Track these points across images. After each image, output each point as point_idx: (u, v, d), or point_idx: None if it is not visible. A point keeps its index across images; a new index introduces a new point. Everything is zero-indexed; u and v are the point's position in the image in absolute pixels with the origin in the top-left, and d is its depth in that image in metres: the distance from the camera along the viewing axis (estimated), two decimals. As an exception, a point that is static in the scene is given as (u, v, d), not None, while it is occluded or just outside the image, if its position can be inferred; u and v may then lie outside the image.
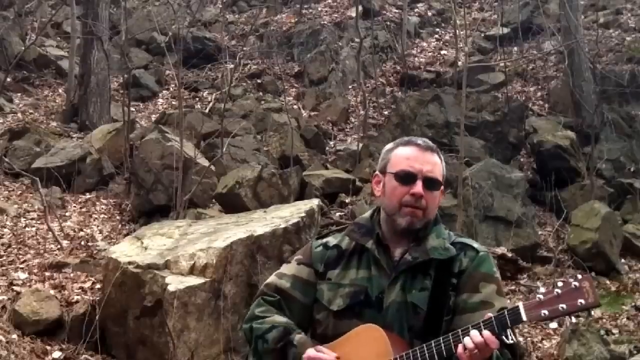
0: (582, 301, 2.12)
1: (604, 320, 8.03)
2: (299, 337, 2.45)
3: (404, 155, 2.48)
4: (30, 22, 15.45)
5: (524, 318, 2.16)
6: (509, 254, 8.49)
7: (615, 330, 7.80)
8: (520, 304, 2.18)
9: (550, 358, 7.22)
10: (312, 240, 2.68)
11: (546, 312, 2.15)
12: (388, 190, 2.49)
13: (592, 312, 2.03)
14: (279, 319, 2.51)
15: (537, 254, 9.33)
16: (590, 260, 9.06)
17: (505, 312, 2.19)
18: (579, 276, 2.16)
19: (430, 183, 2.45)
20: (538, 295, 2.18)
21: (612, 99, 12.52)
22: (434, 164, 2.47)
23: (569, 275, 8.82)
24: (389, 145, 2.58)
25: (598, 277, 8.98)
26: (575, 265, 9.07)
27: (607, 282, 8.93)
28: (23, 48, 12.62)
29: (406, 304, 2.40)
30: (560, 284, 2.17)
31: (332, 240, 2.60)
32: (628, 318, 8.05)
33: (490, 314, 2.21)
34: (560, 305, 2.14)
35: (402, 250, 2.47)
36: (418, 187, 2.42)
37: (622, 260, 9.40)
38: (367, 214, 2.62)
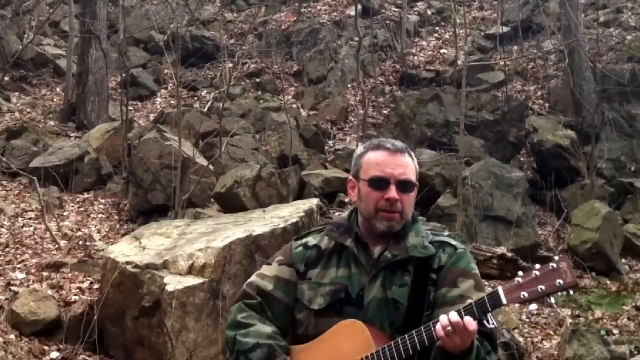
0: (561, 281, 2.15)
1: (605, 320, 8.01)
2: None
3: (375, 160, 2.50)
4: (28, 20, 15.42)
5: (504, 301, 2.20)
6: (509, 254, 8.40)
7: (615, 331, 7.79)
8: (500, 288, 2.21)
9: (551, 358, 7.19)
10: (292, 241, 2.69)
11: (525, 294, 2.18)
12: (363, 196, 2.52)
13: (571, 292, 2.07)
14: (263, 329, 2.52)
15: (537, 254, 9.30)
16: (590, 260, 9.05)
17: (485, 297, 2.22)
18: (557, 258, 2.19)
19: (404, 185, 2.48)
20: (517, 279, 2.20)
21: (612, 98, 12.51)
22: (406, 166, 2.50)
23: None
24: (359, 150, 2.59)
25: (598, 277, 8.98)
26: (576, 265, 9.05)
27: (608, 282, 8.92)
28: (21, 47, 12.61)
29: (386, 300, 2.43)
30: (538, 266, 2.20)
31: (311, 240, 2.63)
32: (628, 318, 8.04)
33: (470, 300, 2.25)
34: (539, 286, 2.16)
35: (381, 247, 2.51)
36: (392, 192, 2.45)
37: (623, 260, 9.40)
38: (345, 214, 2.66)
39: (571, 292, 2.19)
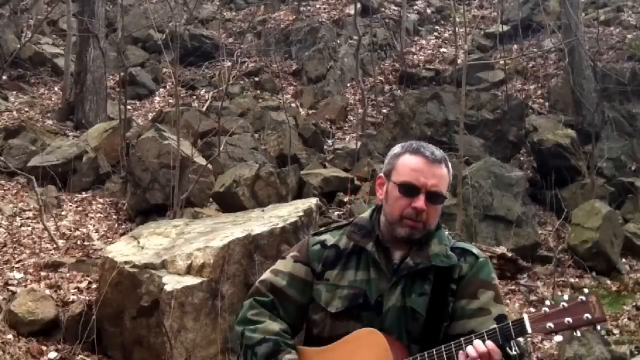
0: (589, 316, 2.13)
1: (605, 320, 7.97)
2: (287, 357, 2.42)
3: (410, 165, 2.42)
4: (26, 19, 15.39)
5: (529, 330, 2.18)
6: (509, 254, 8.43)
7: (616, 331, 7.76)
8: (526, 316, 2.19)
9: (551, 358, 7.16)
10: (309, 237, 2.63)
11: (551, 325, 2.16)
12: (390, 198, 2.44)
13: (599, 327, 2.08)
14: (271, 326, 2.48)
15: (537, 254, 9.28)
16: (590, 260, 9.01)
17: (510, 324, 2.19)
18: (586, 291, 2.17)
19: (434, 197, 2.41)
20: (544, 308, 2.18)
21: (612, 97, 12.48)
22: (440, 177, 2.42)
23: (569, 275, 8.80)
24: (397, 149, 2.50)
25: (599, 277, 8.95)
26: (576, 265, 9.03)
27: (608, 281, 8.89)
28: (19, 46, 12.56)
29: (405, 309, 2.38)
30: (566, 297, 2.19)
31: (329, 238, 2.56)
32: (629, 318, 8.00)
33: (494, 325, 2.22)
34: (567, 319, 2.15)
35: (403, 253, 2.45)
36: (420, 202, 2.38)
37: (623, 260, 9.37)
38: (367, 213, 2.58)
39: (598, 327, 2.16)
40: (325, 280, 2.49)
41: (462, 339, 2.23)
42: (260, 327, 2.48)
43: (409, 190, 2.40)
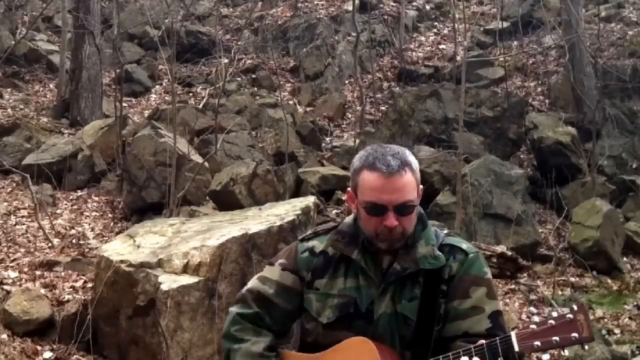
0: (576, 335, 2.12)
1: (606, 320, 7.94)
2: None
3: (370, 185, 2.33)
4: (21, 15, 15.33)
5: (516, 348, 2.16)
6: (509, 253, 8.37)
7: (617, 330, 7.73)
8: (513, 333, 2.18)
9: (551, 358, 7.09)
10: (297, 243, 2.57)
11: (539, 343, 2.15)
12: (361, 217, 2.40)
13: (586, 347, 2.12)
14: (255, 348, 2.45)
15: (538, 253, 9.24)
16: (591, 259, 8.98)
17: (497, 341, 2.18)
18: (575, 307, 2.15)
19: (403, 209, 2.32)
20: (532, 326, 2.18)
21: (613, 94, 12.44)
22: (403, 188, 2.32)
23: (570, 273, 8.75)
24: (356, 163, 2.40)
25: (599, 276, 8.92)
26: (576, 264, 9.00)
27: (609, 281, 8.86)
28: (13, 42, 12.52)
29: (396, 315, 2.36)
30: (555, 314, 2.18)
31: (318, 245, 2.51)
32: (630, 318, 7.97)
33: (482, 341, 2.19)
34: (554, 337, 2.13)
35: (390, 257, 2.40)
36: (390, 219, 2.31)
37: (624, 259, 9.34)
38: (350, 218, 2.51)
39: (586, 346, 2.15)
40: (315, 289, 2.45)
41: (450, 354, 2.22)
42: (244, 349, 2.45)
43: (375, 210, 2.33)
